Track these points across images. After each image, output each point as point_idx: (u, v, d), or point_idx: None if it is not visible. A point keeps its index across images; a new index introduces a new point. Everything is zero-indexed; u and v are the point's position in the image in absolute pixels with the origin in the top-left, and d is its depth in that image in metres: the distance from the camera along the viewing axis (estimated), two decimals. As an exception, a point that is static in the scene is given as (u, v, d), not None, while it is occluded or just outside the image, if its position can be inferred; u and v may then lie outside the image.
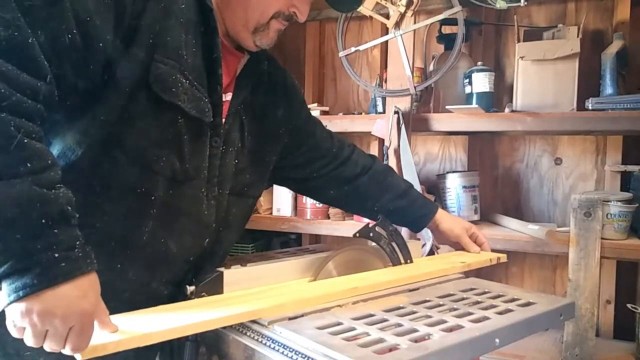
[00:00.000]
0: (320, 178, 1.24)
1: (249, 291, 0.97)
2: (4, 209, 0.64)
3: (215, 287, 0.96)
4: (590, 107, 1.61)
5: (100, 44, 0.78)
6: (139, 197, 0.87)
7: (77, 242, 0.70)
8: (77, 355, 0.68)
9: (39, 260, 0.66)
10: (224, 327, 0.82)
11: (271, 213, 2.16)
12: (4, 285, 0.66)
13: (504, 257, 1.30)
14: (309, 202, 2.04)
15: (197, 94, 0.90)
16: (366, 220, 1.37)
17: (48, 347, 0.68)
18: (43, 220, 0.66)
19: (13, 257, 0.65)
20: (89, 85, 0.79)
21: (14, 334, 0.69)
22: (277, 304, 0.86)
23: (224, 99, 0.98)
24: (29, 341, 0.68)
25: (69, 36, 0.74)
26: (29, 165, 0.66)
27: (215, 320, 0.80)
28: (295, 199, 2.11)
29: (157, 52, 0.84)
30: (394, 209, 1.28)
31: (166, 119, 0.87)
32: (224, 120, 0.98)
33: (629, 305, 1.70)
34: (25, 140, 0.66)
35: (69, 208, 0.70)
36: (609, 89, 1.69)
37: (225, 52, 0.97)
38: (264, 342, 0.78)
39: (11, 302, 0.65)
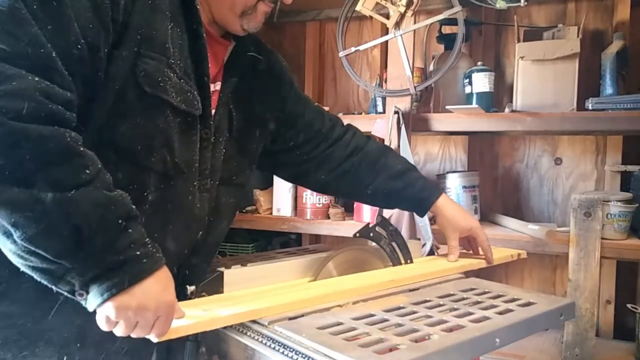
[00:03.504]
0: (310, 161, 1.21)
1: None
2: (85, 217, 0.68)
3: (215, 287, 0.96)
4: (590, 107, 1.61)
5: (105, 50, 0.78)
6: (131, 195, 0.85)
7: (147, 239, 0.74)
8: (155, 338, 0.75)
9: (125, 259, 0.71)
10: (224, 327, 0.82)
11: (271, 213, 2.15)
12: (93, 286, 0.70)
13: (524, 254, 1.30)
14: (309, 202, 2.03)
15: (185, 87, 0.89)
16: (366, 219, 1.37)
17: (135, 334, 0.74)
18: (119, 221, 0.71)
19: (99, 261, 0.69)
20: (91, 92, 0.79)
21: (106, 328, 0.73)
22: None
23: (212, 89, 0.97)
24: (120, 332, 0.74)
25: (79, 47, 0.74)
26: (87, 172, 0.70)
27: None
28: (295, 199, 2.10)
29: (143, 47, 0.83)
30: (388, 192, 1.22)
31: (155, 114, 0.86)
32: (213, 111, 0.97)
33: (629, 305, 1.70)
34: (81, 149, 0.70)
35: (133, 207, 0.75)
36: (609, 89, 1.69)
37: (211, 41, 0.96)
38: (264, 342, 0.78)
39: (105, 301, 0.70)
